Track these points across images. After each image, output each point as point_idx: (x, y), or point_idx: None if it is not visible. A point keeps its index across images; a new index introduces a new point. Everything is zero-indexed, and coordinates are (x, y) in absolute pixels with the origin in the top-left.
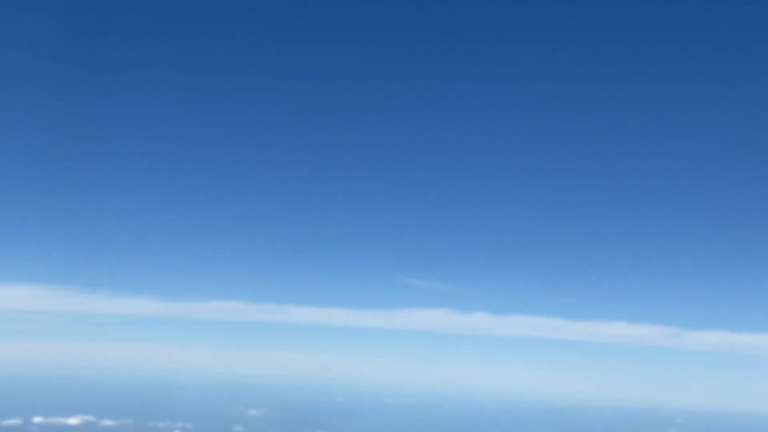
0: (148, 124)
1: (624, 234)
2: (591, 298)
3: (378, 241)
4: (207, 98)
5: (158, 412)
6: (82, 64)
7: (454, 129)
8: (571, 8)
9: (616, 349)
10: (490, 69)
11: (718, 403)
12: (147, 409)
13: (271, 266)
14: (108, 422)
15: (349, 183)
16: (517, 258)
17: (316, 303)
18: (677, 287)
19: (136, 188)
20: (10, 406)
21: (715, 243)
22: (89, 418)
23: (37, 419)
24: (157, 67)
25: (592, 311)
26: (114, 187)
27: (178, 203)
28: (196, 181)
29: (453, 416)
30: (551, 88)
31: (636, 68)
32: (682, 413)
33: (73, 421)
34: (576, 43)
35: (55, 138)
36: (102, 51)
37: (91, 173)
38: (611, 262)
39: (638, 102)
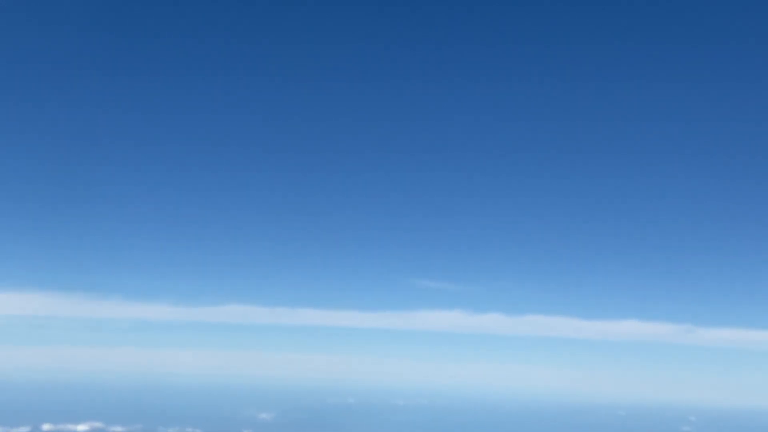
0: (157, 129)
1: (635, 232)
2: (603, 296)
3: (389, 243)
4: (216, 102)
5: (168, 417)
6: (92, 70)
7: (463, 130)
8: (571, 8)
9: (629, 347)
10: (500, 68)
11: (732, 401)
12: (156, 415)
13: (282, 269)
14: (117, 428)
15: (359, 185)
16: (528, 258)
17: (328, 305)
18: (690, 284)
19: (147, 194)
20: (20, 413)
21: (727, 239)
22: (98, 424)
23: (46, 426)
24: (170, 73)
25: (604, 310)
26: (124, 193)
27: (189, 208)
28: (206, 186)
29: (466, 417)
30: (561, 87)
31: (646, 67)
32: (696, 411)
33: (82, 427)
34: (582, 43)
35: (66, 145)
36: (105, 57)
37: (101, 179)
38: (623, 260)
39: (646, 100)
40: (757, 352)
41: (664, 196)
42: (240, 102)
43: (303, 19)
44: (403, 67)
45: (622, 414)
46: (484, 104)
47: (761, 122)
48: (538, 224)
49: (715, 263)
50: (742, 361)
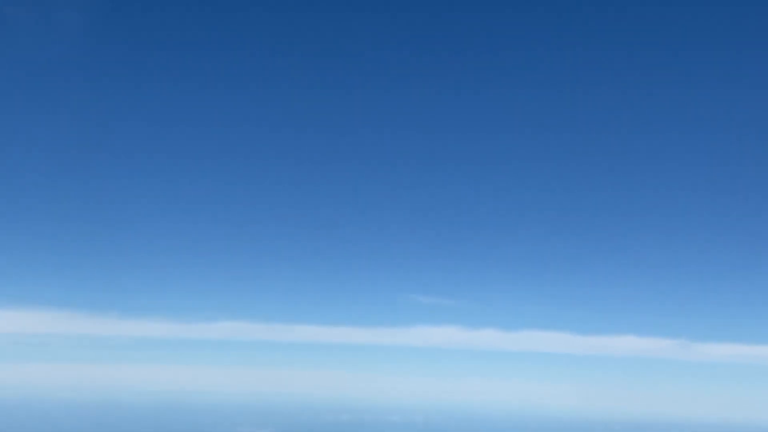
0: (154, 148)
1: (632, 247)
2: (600, 311)
3: (384, 258)
4: (215, 113)
5: None
6: (91, 78)
7: (459, 142)
8: (572, 11)
9: (625, 363)
10: (501, 79)
11: (729, 416)
12: None
13: (277, 285)
14: None
15: (354, 200)
16: (525, 273)
17: (322, 321)
18: (686, 299)
19: (143, 210)
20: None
21: (724, 254)
22: None
23: None
24: (166, 83)
25: (600, 325)
26: (120, 209)
27: (185, 224)
28: (202, 203)
29: None
30: (565, 97)
31: (654, 72)
32: (692, 426)
33: None
34: (583, 48)
35: (63, 161)
36: (106, 66)
37: (97, 195)
38: (620, 275)
39: (641, 110)
40: (754, 367)
41: (660, 210)
42: (235, 118)
43: (304, 24)
44: (392, 75)
45: (618, 429)
46: (478, 117)
47: (761, 136)
48: (534, 239)
49: (712, 278)
50: (739, 375)
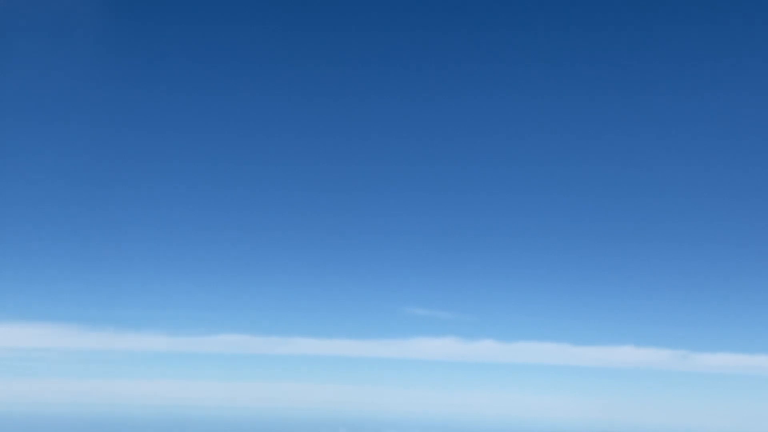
0: (151, 158)
1: (631, 257)
2: (599, 322)
3: (381, 270)
4: (213, 131)
5: None
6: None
7: (456, 155)
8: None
9: (625, 374)
10: (501, 84)
11: (729, 426)
12: None
13: (274, 298)
14: None
15: (350, 213)
16: (522, 284)
17: (319, 334)
18: (686, 309)
19: (142, 222)
20: None
21: (724, 263)
22: None
23: None
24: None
25: (600, 336)
26: (119, 222)
27: (184, 238)
28: (201, 216)
29: None
30: (564, 107)
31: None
32: None
33: None
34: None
35: (57, 173)
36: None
37: (96, 208)
38: (619, 285)
39: (653, 121)
40: (754, 377)
41: (658, 220)
42: (232, 136)
43: (308, 27)
44: (389, 88)
45: None
46: (477, 131)
47: (761, 143)
48: (532, 250)
49: (712, 287)
50: (739, 386)
